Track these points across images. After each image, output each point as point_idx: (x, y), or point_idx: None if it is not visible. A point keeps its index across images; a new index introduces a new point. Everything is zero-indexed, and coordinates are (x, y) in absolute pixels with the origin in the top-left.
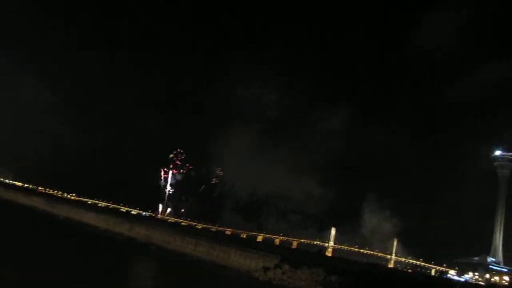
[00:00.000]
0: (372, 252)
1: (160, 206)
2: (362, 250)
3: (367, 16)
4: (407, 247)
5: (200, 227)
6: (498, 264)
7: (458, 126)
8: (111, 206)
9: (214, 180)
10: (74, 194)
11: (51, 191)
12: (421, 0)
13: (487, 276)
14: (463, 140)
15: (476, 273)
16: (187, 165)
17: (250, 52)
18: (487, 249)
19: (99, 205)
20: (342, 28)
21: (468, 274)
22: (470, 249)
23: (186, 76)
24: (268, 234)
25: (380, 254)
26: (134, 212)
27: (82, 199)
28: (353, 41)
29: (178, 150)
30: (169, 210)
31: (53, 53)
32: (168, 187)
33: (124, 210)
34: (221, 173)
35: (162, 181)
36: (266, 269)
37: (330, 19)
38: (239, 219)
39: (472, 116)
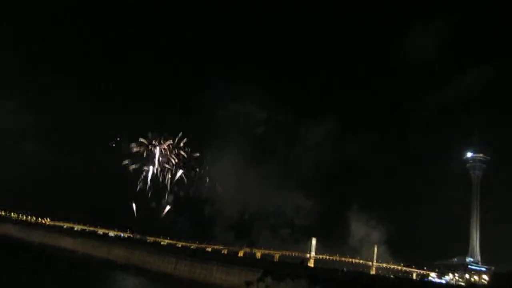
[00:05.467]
0: (354, 260)
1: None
2: (343, 258)
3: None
4: (389, 253)
5: (180, 245)
6: (477, 263)
7: (432, 132)
8: (88, 229)
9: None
10: (48, 219)
11: (24, 217)
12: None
13: (467, 276)
14: (436, 144)
15: (456, 274)
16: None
17: (234, 69)
18: (465, 250)
19: (75, 228)
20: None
21: (448, 275)
22: (449, 251)
23: (170, 92)
24: (250, 248)
25: (361, 261)
26: (111, 234)
27: (57, 223)
28: (331, 52)
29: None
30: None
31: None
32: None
33: (101, 233)
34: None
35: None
36: (248, 283)
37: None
38: (230, 236)
39: (443, 121)
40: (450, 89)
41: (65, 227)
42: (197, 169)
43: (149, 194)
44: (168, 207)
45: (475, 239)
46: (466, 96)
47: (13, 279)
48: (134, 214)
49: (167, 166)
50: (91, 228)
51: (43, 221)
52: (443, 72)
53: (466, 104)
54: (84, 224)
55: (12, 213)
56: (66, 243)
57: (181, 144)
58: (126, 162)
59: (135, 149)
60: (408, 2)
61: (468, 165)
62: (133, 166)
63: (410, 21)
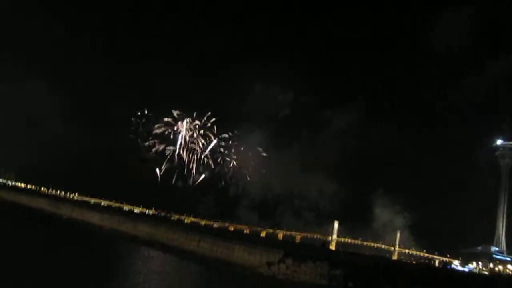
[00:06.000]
0: (376, 245)
1: None
2: (365, 243)
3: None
4: (413, 239)
5: (203, 223)
6: (502, 253)
7: (460, 120)
8: (114, 205)
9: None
10: (76, 194)
11: (53, 192)
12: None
13: (491, 265)
14: (465, 132)
15: (480, 263)
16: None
17: (261, 52)
18: (491, 239)
19: (102, 204)
20: (351, 27)
21: (471, 264)
22: (474, 239)
23: (197, 71)
24: (273, 229)
25: (384, 246)
26: (137, 210)
27: (85, 198)
28: (361, 42)
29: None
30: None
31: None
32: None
33: (127, 209)
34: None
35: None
36: (270, 264)
37: (339, 16)
38: (254, 217)
39: (472, 109)
40: (478, 76)
41: (92, 202)
42: (223, 150)
43: (175, 173)
44: (202, 176)
45: (501, 228)
46: (495, 83)
47: (44, 252)
48: (158, 192)
49: (193, 146)
50: (117, 204)
51: (71, 196)
52: (470, 60)
53: (495, 91)
54: (110, 200)
55: (42, 188)
56: (93, 218)
57: (208, 124)
58: (149, 142)
59: (159, 129)
60: None
61: (497, 153)
62: (157, 147)
63: (436, 9)
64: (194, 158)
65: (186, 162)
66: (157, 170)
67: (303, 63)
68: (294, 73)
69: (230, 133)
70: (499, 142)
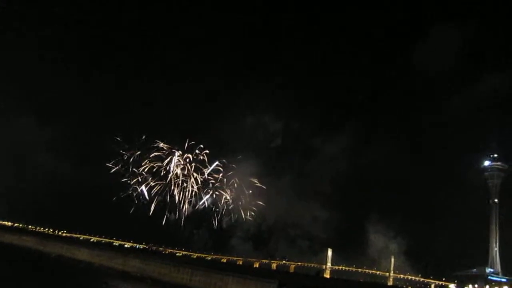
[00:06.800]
0: (371, 271)
1: None
2: (360, 270)
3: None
4: (408, 264)
5: (195, 256)
6: (497, 274)
7: (448, 142)
8: (104, 241)
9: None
10: (65, 231)
11: (41, 229)
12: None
13: (487, 287)
14: (453, 154)
15: (476, 286)
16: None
17: (252, 81)
18: (485, 260)
19: (91, 240)
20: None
21: (467, 286)
22: (468, 261)
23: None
24: (267, 260)
25: (379, 272)
26: (127, 245)
27: (73, 235)
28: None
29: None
30: None
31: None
32: None
33: (117, 244)
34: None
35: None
36: None
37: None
38: (249, 247)
39: (459, 131)
40: (464, 98)
41: (81, 238)
42: (215, 182)
43: (167, 207)
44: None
45: (494, 249)
46: (481, 104)
47: None
48: (149, 226)
49: (184, 179)
50: (107, 240)
51: (60, 233)
52: (456, 81)
53: (482, 113)
54: (100, 236)
55: (30, 226)
56: (83, 254)
57: (200, 157)
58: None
59: (150, 163)
60: (425, 9)
61: (486, 174)
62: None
63: (424, 31)
64: (186, 191)
65: (178, 196)
66: (150, 205)
67: (291, 89)
68: (282, 101)
69: (221, 164)
70: (487, 163)
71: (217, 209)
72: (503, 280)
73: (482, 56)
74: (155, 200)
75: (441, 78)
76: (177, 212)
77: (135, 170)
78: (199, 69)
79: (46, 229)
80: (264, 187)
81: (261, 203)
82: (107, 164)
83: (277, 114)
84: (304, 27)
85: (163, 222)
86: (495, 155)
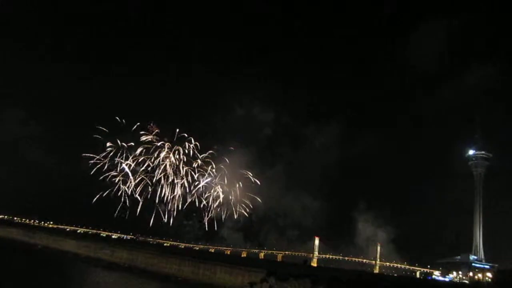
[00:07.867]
0: (357, 259)
1: None
2: (347, 258)
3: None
4: (396, 252)
5: (182, 246)
6: (480, 261)
7: (435, 131)
8: (91, 232)
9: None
10: (51, 222)
11: (27, 221)
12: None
13: (471, 274)
14: (439, 144)
15: (460, 272)
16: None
17: (245, 72)
18: (469, 248)
19: (78, 231)
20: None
21: (452, 273)
22: (453, 249)
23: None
24: (257, 249)
25: (365, 260)
26: (114, 236)
27: (60, 226)
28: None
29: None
30: None
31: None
32: None
33: (104, 235)
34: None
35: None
36: (252, 284)
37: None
38: (239, 238)
39: (445, 121)
40: (451, 89)
41: (68, 229)
42: (205, 173)
43: (157, 198)
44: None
45: (478, 236)
46: (468, 95)
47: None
48: (136, 216)
49: (174, 170)
50: (94, 231)
51: (46, 225)
52: (445, 72)
53: (468, 103)
54: (87, 227)
55: (16, 217)
56: (69, 245)
57: (190, 147)
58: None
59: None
60: (413, 3)
61: (470, 163)
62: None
63: (414, 23)
64: (175, 184)
65: (168, 187)
66: (138, 196)
67: (280, 81)
68: (273, 92)
69: (211, 156)
70: (471, 152)
71: (208, 202)
72: (486, 266)
73: (468, 49)
74: (142, 196)
75: (428, 70)
76: (167, 204)
77: (122, 161)
78: (189, 59)
79: (33, 221)
80: (255, 179)
81: (251, 195)
82: (84, 154)
83: (267, 104)
84: (292, 20)
85: (153, 216)
86: (479, 144)
